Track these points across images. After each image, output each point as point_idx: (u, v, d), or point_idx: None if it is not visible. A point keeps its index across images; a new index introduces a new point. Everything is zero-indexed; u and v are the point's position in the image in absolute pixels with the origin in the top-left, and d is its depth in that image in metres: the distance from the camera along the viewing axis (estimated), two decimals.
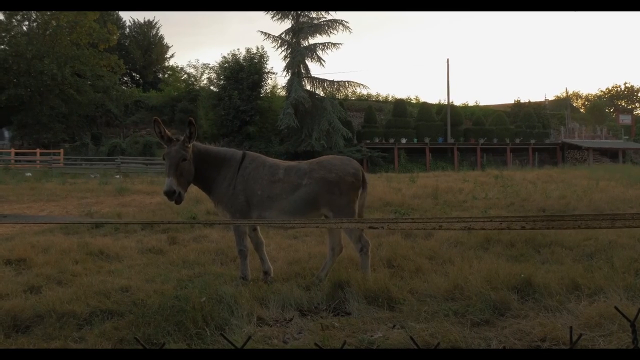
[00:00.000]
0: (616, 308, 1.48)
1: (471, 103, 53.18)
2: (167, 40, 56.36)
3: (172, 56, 55.55)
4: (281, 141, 36.61)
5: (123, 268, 6.43)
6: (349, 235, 5.58)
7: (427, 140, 39.42)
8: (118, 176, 26.59)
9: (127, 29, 56.11)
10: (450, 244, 7.28)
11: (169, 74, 53.17)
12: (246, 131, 35.97)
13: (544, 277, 5.04)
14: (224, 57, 38.15)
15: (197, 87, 41.97)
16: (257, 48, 38.64)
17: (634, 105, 77.32)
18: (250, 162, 5.80)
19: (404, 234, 7.85)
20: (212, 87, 40.58)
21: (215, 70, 39.31)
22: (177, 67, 51.88)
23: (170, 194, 5.24)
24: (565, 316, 4.14)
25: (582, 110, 66.53)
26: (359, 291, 4.75)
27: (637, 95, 78.66)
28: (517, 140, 42.61)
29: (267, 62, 41.94)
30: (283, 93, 38.28)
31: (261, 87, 38.02)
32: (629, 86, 78.74)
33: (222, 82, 37.74)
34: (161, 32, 58.01)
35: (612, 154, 43.56)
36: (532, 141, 42.88)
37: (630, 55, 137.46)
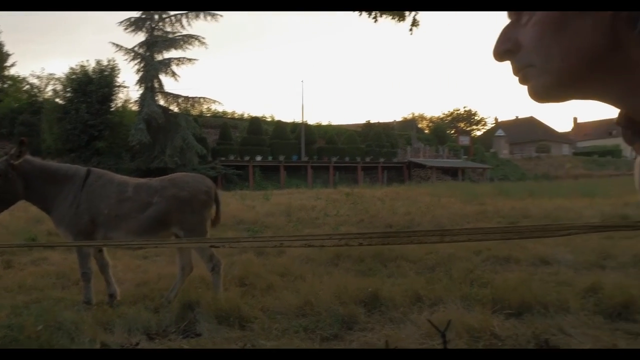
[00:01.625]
0: (429, 321, 1.57)
1: (324, 122, 54.65)
2: (7, 47, 52.09)
3: (13, 65, 51.60)
4: (132, 157, 35.20)
5: None
6: (200, 254, 5.48)
7: (281, 158, 39.87)
8: None
9: None
10: (302, 260, 7.38)
11: (9, 83, 49.31)
12: (95, 146, 34.19)
13: (390, 290, 5.26)
14: (72, 68, 36.08)
15: (41, 99, 39.25)
16: (108, 60, 36.98)
17: (472, 128, 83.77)
18: (96, 179, 5.52)
19: (256, 252, 7.84)
20: (57, 100, 38.14)
21: (62, 82, 37.04)
22: (19, 76, 48.26)
23: None
24: (409, 327, 4.33)
25: (426, 131, 70.60)
26: (210, 311, 4.66)
27: (474, 118, 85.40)
28: (368, 159, 44.34)
29: (119, 75, 40.14)
30: (135, 108, 36.93)
31: (112, 100, 36.35)
32: (468, 110, 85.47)
33: (68, 95, 35.61)
34: (1, 38, 53.76)
35: (452, 173, 46.68)
36: (382, 160, 44.87)
37: (469, 82, 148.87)
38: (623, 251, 7.61)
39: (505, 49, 0.79)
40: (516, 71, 0.79)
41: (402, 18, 4.89)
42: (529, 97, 0.80)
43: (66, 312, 4.60)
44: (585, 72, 0.73)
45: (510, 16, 0.81)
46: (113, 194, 5.40)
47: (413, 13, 4.92)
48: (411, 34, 5.30)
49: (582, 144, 75.95)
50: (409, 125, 61.02)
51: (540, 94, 0.78)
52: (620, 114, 0.80)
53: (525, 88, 0.80)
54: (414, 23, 5.03)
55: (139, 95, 35.62)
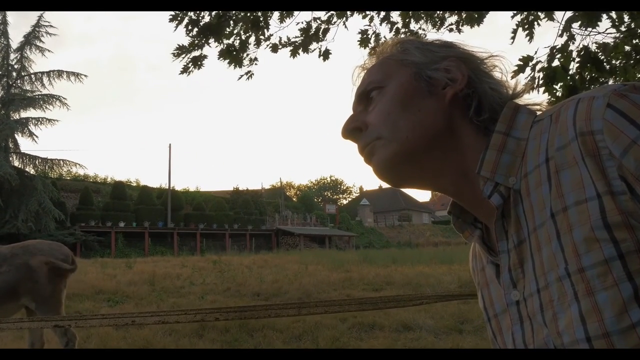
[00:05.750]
0: None
1: (192, 188, 53.83)
2: None
3: None
4: None
5: None
6: (52, 329, 5.07)
7: (146, 224, 38.42)
8: None
9: None
10: (165, 332, 7.06)
11: None
12: None
13: None
14: None
15: None
16: None
17: (338, 196, 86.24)
18: None
19: (116, 325, 7.39)
20: None
21: None
22: None
23: None
24: None
25: (294, 199, 71.64)
26: None
27: (340, 187, 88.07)
28: (236, 226, 43.94)
29: None
30: None
31: None
32: (334, 179, 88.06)
33: None
34: None
35: (320, 240, 47.46)
36: (250, 227, 44.64)
37: (335, 153, 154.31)
38: (478, 315, 7.98)
39: (354, 126, 0.89)
40: (363, 148, 0.88)
41: (239, 64, 4.72)
42: (374, 172, 0.88)
43: None
44: (426, 147, 0.83)
45: (359, 105, 0.91)
46: None
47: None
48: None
49: (440, 213, 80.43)
50: (277, 193, 61.62)
51: (386, 163, 0.85)
52: (451, 204, 0.93)
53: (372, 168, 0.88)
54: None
55: None
